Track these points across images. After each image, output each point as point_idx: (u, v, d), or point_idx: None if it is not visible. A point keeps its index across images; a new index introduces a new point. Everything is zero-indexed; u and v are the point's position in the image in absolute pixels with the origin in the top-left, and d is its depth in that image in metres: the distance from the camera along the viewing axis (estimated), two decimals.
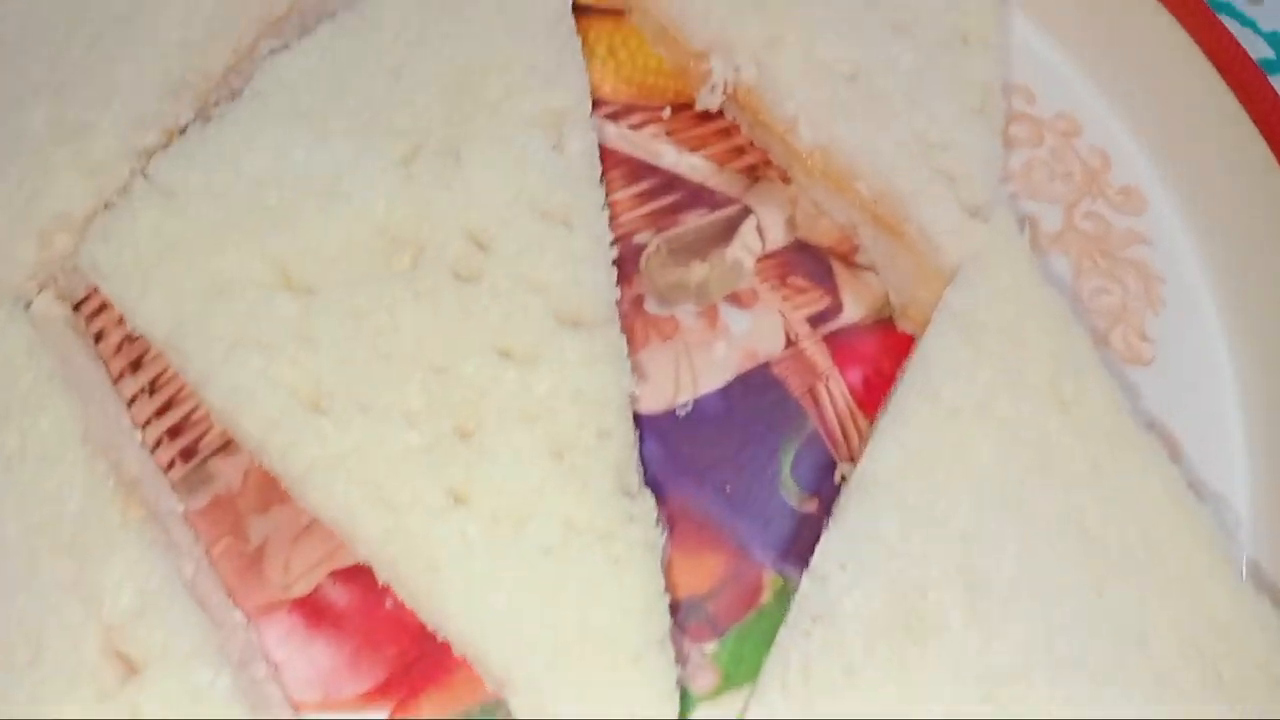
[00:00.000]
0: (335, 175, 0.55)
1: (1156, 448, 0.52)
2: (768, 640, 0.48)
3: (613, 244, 0.55)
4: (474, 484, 0.48)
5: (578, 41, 0.60)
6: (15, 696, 0.45)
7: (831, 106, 0.59)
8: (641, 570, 0.46)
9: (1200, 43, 0.64)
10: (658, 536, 0.47)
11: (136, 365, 0.58)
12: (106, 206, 0.55)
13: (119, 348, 0.59)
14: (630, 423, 0.50)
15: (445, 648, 0.50)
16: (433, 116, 0.56)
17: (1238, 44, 0.63)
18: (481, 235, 0.54)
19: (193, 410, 0.57)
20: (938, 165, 0.57)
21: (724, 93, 0.62)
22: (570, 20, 0.60)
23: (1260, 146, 0.61)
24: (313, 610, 0.53)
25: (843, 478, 0.55)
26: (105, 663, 0.45)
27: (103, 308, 0.60)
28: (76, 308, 0.59)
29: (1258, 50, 0.72)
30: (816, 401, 0.58)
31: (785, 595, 0.53)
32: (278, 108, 0.56)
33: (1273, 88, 0.62)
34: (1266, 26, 0.73)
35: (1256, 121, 0.62)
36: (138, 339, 0.58)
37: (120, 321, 0.59)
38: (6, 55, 0.58)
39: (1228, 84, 0.63)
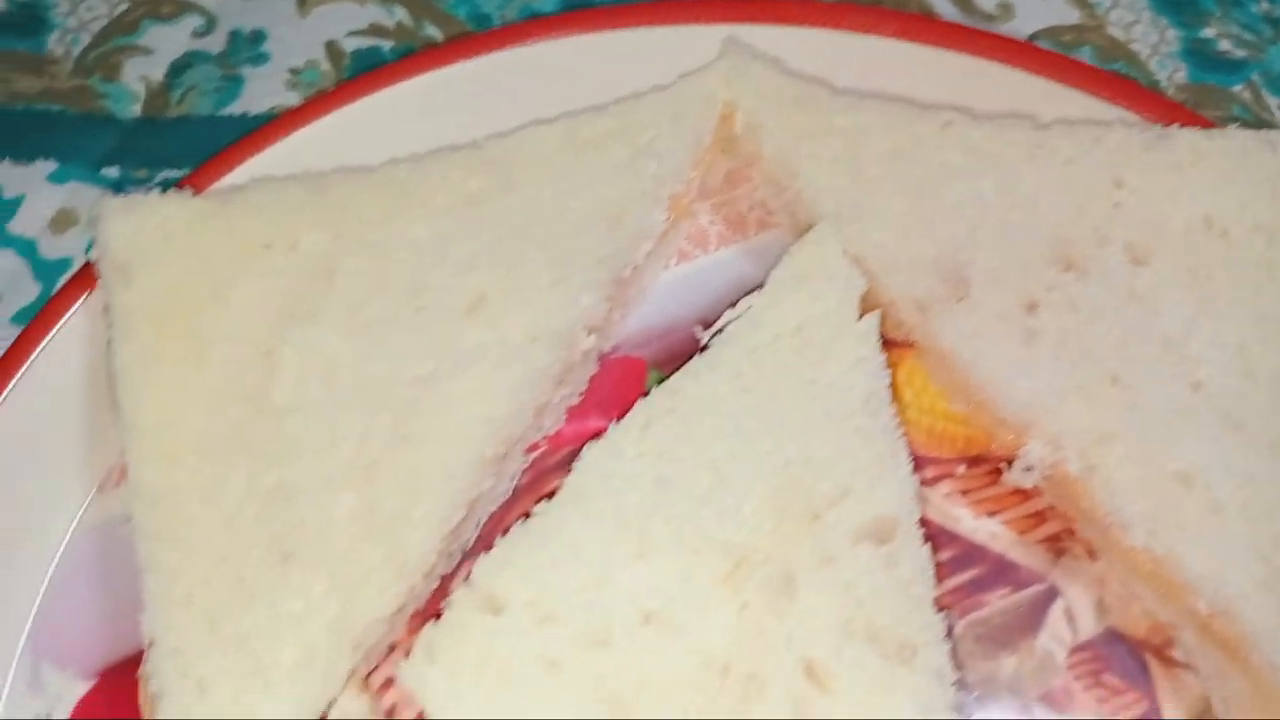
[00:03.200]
0: (664, 599, 0.53)
1: None
2: None
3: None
4: None
5: (900, 435, 0.57)
6: None
7: (1167, 516, 0.56)
8: None
9: None
10: None
11: None
12: (425, 617, 0.54)
13: None
14: None
15: None
16: (759, 528, 0.54)
17: None
18: (819, 673, 0.51)
19: None
20: None
21: (1040, 477, 0.60)
22: (889, 408, 0.58)
23: None
24: None
25: None
26: None
27: (390, 682, 0.58)
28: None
29: None
30: None
31: None
32: (598, 512, 0.54)
33: None
34: None
35: None
36: None
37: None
38: (312, 431, 0.57)
39: None
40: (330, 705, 0.53)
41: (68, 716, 0.59)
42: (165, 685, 0.52)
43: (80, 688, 0.59)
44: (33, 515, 0.62)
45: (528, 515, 0.55)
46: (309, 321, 0.60)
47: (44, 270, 0.73)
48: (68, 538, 0.63)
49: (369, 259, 0.62)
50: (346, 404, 0.57)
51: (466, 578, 0.53)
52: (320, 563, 0.54)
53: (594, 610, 0.52)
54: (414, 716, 0.57)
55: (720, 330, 0.60)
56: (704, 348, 0.60)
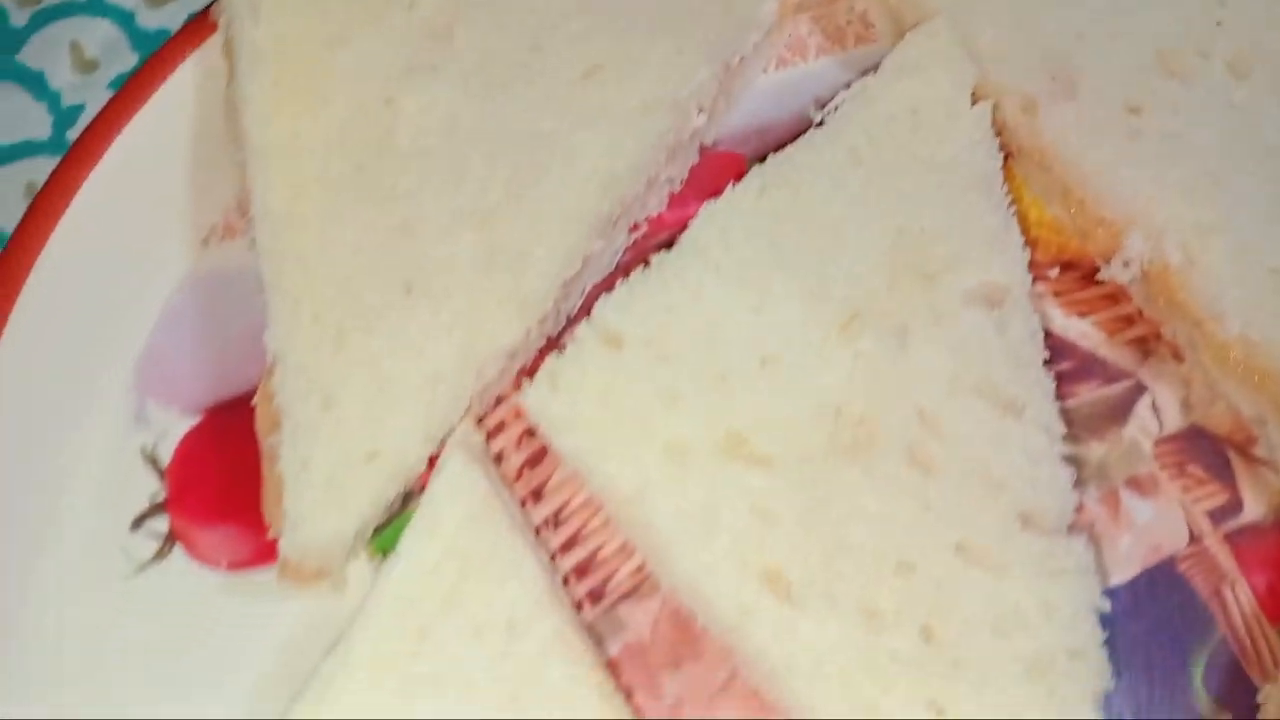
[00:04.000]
0: (781, 344, 0.54)
1: None
2: None
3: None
4: (952, 697, 0.47)
5: (1013, 211, 0.58)
6: None
7: (1264, 306, 0.57)
8: None
9: None
10: None
11: (539, 494, 0.58)
12: (544, 346, 0.55)
13: (519, 474, 0.58)
14: (1101, 644, 0.49)
15: None
16: (873, 285, 0.55)
17: None
18: (932, 420, 0.53)
19: (599, 548, 0.57)
20: None
21: (1138, 270, 0.61)
22: (1002, 187, 0.59)
23: None
24: None
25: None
26: None
27: (500, 427, 0.59)
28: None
29: None
30: (1224, 606, 0.57)
31: None
32: (716, 262, 0.55)
33: None
34: None
35: None
36: (538, 465, 0.58)
37: (520, 443, 0.59)
38: (433, 176, 0.58)
39: None
40: (450, 433, 0.54)
41: (174, 449, 0.60)
42: (289, 401, 0.53)
43: (185, 423, 0.60)
44: (138, 265, 0.63)
45: (646, 263, 0.56)
46: (428, 75, 0.60)
47: (141, 40, 0.73)
48: (172, 287, 0.63)
49: (486, 21, 0.62)
50: (466, 153, 0.58)
51: (588, 315, 0.54)
52: (443, 296, 0.55)
53: (712, 352, 0.53)
54: (520, 463, 0.58)
55: (835, 109, 0.61)
56: (819, 124, 0.61)
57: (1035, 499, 0.51)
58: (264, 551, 0.56)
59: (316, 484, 0.51)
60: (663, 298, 0.54)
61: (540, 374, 0.53)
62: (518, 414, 0.59)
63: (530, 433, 0.58)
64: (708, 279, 0.55)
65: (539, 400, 0.53)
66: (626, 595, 0.56)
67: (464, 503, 0.50)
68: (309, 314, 0.54)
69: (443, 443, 0.54)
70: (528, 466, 0.58)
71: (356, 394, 0.53)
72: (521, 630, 0.48)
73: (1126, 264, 0.61)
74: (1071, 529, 0.51)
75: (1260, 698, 0.54)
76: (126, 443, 0.60)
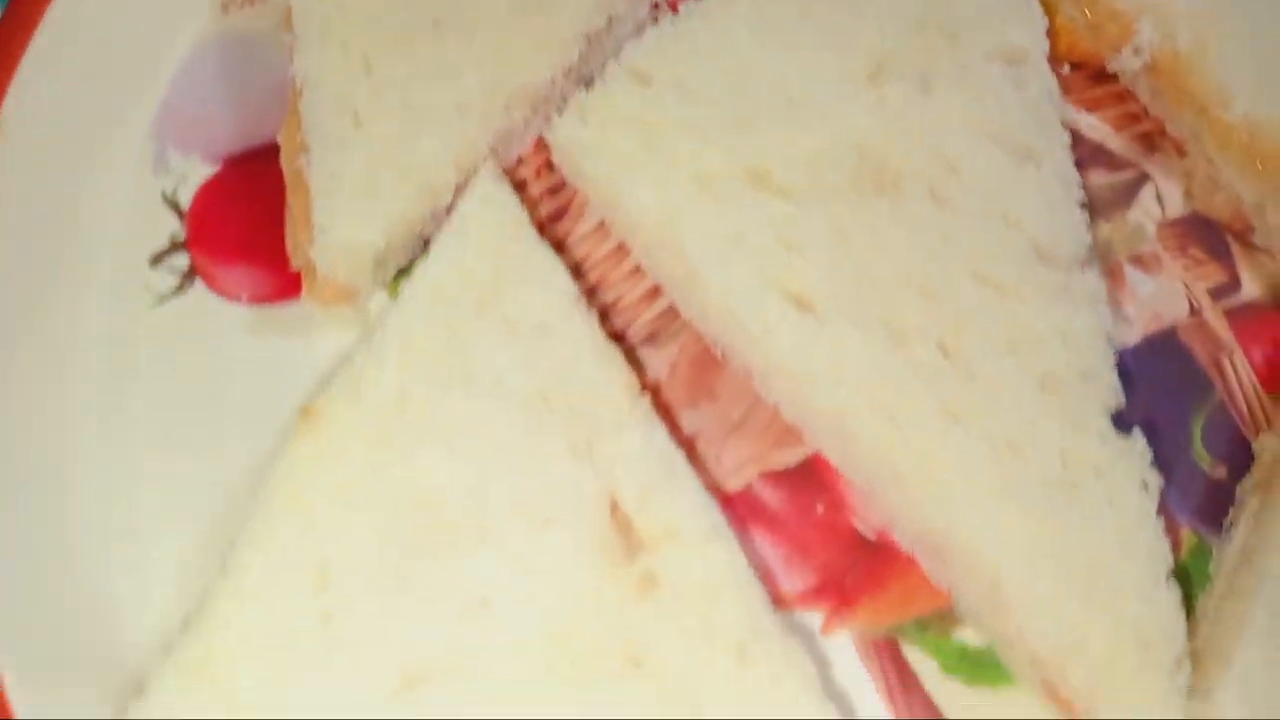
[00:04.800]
0: (807, 89, 0.55)
1: None
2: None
3: None
4: (967, 406, 0.49)
5: None
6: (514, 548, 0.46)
7: (1271, 85, 0.59)
8: (1140, 509, 0.47)
9: None
10: (1154, 477, 0.49)
11: (560, 247, 0.58)
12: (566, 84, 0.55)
13: (541, 228, 0.59)
14: (1113, 367, 0.51)
15: (877, 557, 0.52)
16: (899, 39, 0.56)
17: None
18: (952, 162, 0.54)
19: (619, 298, 0.58)
20: None
21: (1148, 58, 0.63)
22: None
23: None
24: (747, 507, 0.54)
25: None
26: (617, 535, 0.46)
27: (522, 185, 0.60)
28: None
29: None
30: (1222, 373, 0.59)
31: (1202, 554, 0.55)
32: (745, 11, 0.56)
33: None
34: None
35: None
36: (560, 220, 0.59)
37: (540, 201, 0.59)
38: None
39: None
40: (474, 172, 0.55)
41: (194, 194, 0.60)
42: (319, 120, 0.53)
43: (204, 170, 0.60)
44: (157, 22, 0.63)
45: (675, 9, 0.57)
46: None
47: None
48: (191, 45, 0.63)
49: None
50: None
51: (617, 55, 0.55)
52: (471, 30, 0.55)
53: (739, 93, 0.54)
54: (541, 218, 0.59)
55: None
56: None
57: (1050, 237, 0.53)
58: (285, 287, 0.57)
59: (347, 193, 0.51)
60: (691, 42, 0.55)
61: (569, 109, 0.54)
62: (539, 173, 0.59)
63: (553, 191, 0.59)
64: (736, 26, 0.56)
65: (568, 132, 0.53)
66: (645, 341, 0.57)
67: (496, 213, 0.51)
68: (337, 42, 0.54)
69: (468, 177, 0.55)
70: (549, 221, 0.59)
71: (386, 115, 0.53)
72: (553, 333, 0.49)
73: (1137, 51, 0.62)
74: (1084, 265, 0.52)
75: (1255, 448, 0.56)
76: (147, 186, 0.60)
